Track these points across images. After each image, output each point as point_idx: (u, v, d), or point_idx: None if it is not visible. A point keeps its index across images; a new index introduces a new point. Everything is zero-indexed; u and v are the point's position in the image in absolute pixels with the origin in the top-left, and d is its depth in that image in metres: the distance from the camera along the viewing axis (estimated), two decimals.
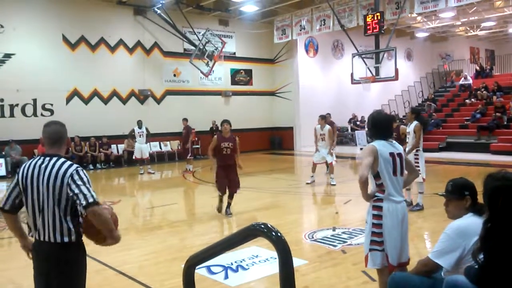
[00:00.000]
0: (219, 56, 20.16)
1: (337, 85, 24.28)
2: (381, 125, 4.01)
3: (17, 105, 16.42)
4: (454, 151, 18.70)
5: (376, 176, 3.82)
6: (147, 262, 5.90)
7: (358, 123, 24.73)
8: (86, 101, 17.96)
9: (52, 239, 2.86)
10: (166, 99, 20.14)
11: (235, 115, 19.69)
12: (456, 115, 21.73)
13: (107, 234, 2.84)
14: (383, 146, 3.86)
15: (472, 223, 3.05)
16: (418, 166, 7.97)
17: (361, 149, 21.58)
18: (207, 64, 19.80)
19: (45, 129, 3.04)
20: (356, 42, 18.79)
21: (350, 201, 9.59)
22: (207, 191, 12.12)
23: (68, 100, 17.55)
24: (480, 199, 2.98)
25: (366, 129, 23.26)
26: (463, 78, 24.32)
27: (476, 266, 2.68)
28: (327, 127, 11.72)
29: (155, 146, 19.11)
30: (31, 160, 3.01)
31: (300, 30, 20.55)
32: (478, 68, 26.64)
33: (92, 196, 2.78)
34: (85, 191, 2.79)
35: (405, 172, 4.07)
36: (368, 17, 16.83)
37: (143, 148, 15.39)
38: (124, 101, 18.95)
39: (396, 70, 16.98)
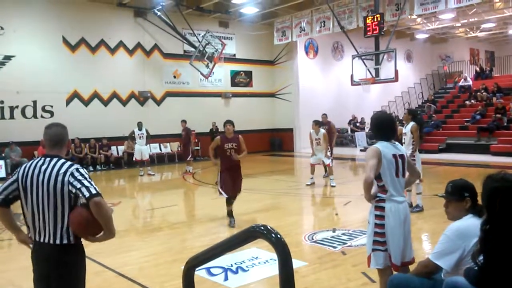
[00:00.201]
0: (219, 57, 20.16)
1: (337, 87, 24.30)
2: (385, 126, 4.02)
3: (17, 107, 16.43)
4: (454, 152, 18.70)
5: (378, 177, 3.82)
6: (147, 264, 5.90)
7: (358, 124, 24.76)
8: (86, 102, 17.97)
9: (52, 241, 2.86)
10: (166, 100, 20.15)
11: (235, 117, 19.52)
12: (456, 117, 21.73)
13: (105, 227, 2.85)
14: (386, 148, 3.87)
15: (472, 224, 3.05)
16: None
17: (361, 150, 21.60)
18: (207, 66, 19.81)
19: (46, 131, 3.04)
20: (356, 44, 18.80)
21: (350, 203, 9.59)
22: (207, 193, 12.13)
23: (68, 102, 17.55)
24: (480, 200, 2.98)
25: (369, 130, 23.42)
26: (463, 80, 24.34)
27: (476, 268, 2.68)
28: (322, 131, 11.76)
29: (155, 148, 19.11)
30: (31, 161, 3.02)
31: (300, 32, 20.57)
32: (478, 69, 26.66)
33: (95, 188, 2.80)
34: (87, 184, 2.81)
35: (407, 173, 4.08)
36: (368, 18, 16.85)
37: (143, 150, 15.39)
38: (124, 102, 18.96)
39: (396, 72, 16.99)
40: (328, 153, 11.91)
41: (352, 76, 18.42)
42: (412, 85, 26.75)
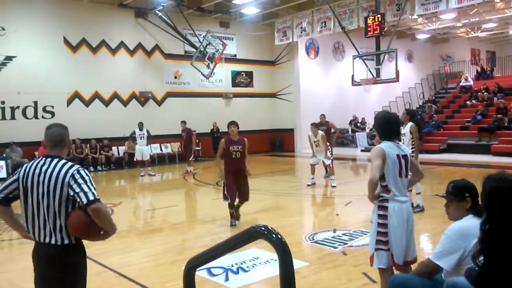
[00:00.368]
0: (220, 58, 20.16)
1: (338, 87, 24.29)
2: (389, 126, 4.03)
3: (18, 107, 16.45)
4: (455, 152, 18.68)
5: (382, 177, 3.83)
6: (147, 264, 5.89)
7: (358, 124, 24.75)
8: (87, 103, 17.98)
9: (53, 241, 2.86)
10: (167, 101, 20.16)
11: (236, 117, 19.41)
12: (456, 117, 21.71)
13: (108, 229, 2.88)
14: (390, 148, 3.88)
15: (473, 224, 3.04)
16: None
17: (362, 150, 21.60)
18: (208, 66, 19.81)
19: (47, 132, 3.04)
20: (356, 44, 18.80)
21: (350, 203, 9.59)
22: (208, 193, 12.15)
23: (69, 102, 17.57)
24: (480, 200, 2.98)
25: (370, 130, 23.41)
26: (464, 80, 24.33)
27: (477, 268, 2.68)
28: (320, 133, 11.78)
29: (155, 148, 19.13)
30: (32, 161, 3.01)
31: (301, 32, 20.58)
32: (479, 69, 26.64)
33: (93, 194, 2.79)
34: (86, 189, 2.79)
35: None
36: (369, 18, 16.85)
37: (144, 150, 15.40)
38: (125, 103, 18.97)
39: (397, 72, 16.99)
40: (329, 154, 11.92)
41: (353, 76, 18.42)
42: (413, 85, 26.74)
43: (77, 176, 2.83)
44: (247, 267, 5.55)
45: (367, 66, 17.97)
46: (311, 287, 4.90)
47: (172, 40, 19.67)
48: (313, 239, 6.81)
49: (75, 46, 17.62)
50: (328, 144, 12.12)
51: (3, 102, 16.15)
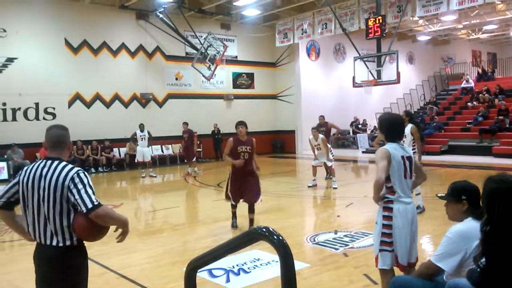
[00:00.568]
0: (221, 59, 20.17)
1: (339, 89, 24.28)
2: (394, 127, 4.06)
3: (19, 108, 16.47)
4: (456, 154, 18.67)
5: (387, 178, 3.84)
6: (148, 265, 5.89)
7: (360, 126, 24.74)
8: (88, 104, 18.00)
9: (54, 243, 2.86)
10: (168, 102, 20.18)
11: (237, 119, 19.40)
12: (458, 118, 21.71)
13: (118, 226, 2.92)
14: (395, 149, 3.90)
15: (474, 226, 3.04)
16: None
17: (363, 152, 21.60)
18: (209, 68, 19.82)
19: (47, 133, 3.04)
20: (357, 46, 18.80)
21: (351, 204, 9.58)
22: (209, 194, 12.15)
23: (70, 104, 17.59)
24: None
25: (371, 131, 23.39)
26: (465, 81, 24.32)
27: (478, 270, 2.68)
28: (321, 137, 11.82)
29: (156, 150, 19.13)
30: (33, 164, 3.01)
31: (302, 34, 20.59)
32: (480, 71, 26.63)
33: (91, 200, 2.78)
34: (84, 196, 2.78)
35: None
36: (370, 20, 16.84)
37: (145, 152, 15.42)
38: (126, 104, 18.99)
39: (398, 73, 16.97)
40: (331, 156, 11.95)
41: (354, 78, 18.41)
42: (414, 87, 26.73)
43: (76, 179, 2.83)
44: (248, 268, 5.54)
45: (368, 68, 17.97)
46: None
47: (173, 41, 19.69)
48: (314, 240, 6.80)
49: (76, 48, 17.65)
50: (330, 145, 12.16)
51: (4, 104, 16.17)
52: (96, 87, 18.07)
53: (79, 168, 2.94)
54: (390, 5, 17.53)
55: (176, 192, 13.23)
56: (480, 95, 21.90)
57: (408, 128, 8.24)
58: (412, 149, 8.15)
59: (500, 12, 22.15)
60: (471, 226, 3.10)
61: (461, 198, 3.24)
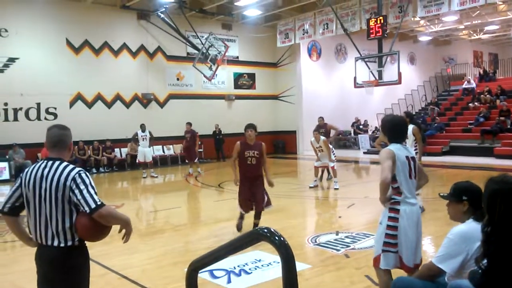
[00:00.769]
0: (222, 60, 20.18)
1: (340, 89, 24.27)
2: (398, 128, 4.06)
3: (20, 109, 16.49)
4: (457, 155, 18.63)
5: (393, 179, 3.85)
6: (150, 266, 5.89)
7: (361, 127, 24.72)
8: (90, 105, 18.02)
9: (56, 243, 2.86)
10: (169, 103, 20.19)
11: (238, 119, 19.72)
12: (459, 119, 21.68)
13: (120, 225, 2.92)
14: (399, 150, 3.91)
15: (476, 228, 3.03)
16: None
17: (364, 153, 21.58)
18: (210, 68, 19.83)
19: (48, 133, 3.04)
20: (359, 46, 18.79)
21: (353, 205, 9.57)
22: (210, 195, 12.14)
23: (72, 104, 17.61)
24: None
25: (372, 132, 23.37)
26: (466, 82, 24.30)
27: (480, 271, 2.67)
28: (322, 138, 11.83)
29: (158, 150, 19.14)
30: (34, 165, 3.01)
31: (303, 34, 20.59)
32: (481, 71, 26.60)
33: (94, 200, 2.78)
34: (87, 196, 2.79)
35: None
36: (371, 21, 16.84)
37: (146, 152, 15.42)
38: (127, 105, 19.00)
39: (399, 74, 16.96)
40: (333, 157, 11.96)
41: (355, 78, 18.40)
42: (416, 88, 26.71)
43: (78, 180, 2.83)
44: (250, 269, 5.54)
45: (369, 68, 17.97)
46: None
47: (174, 42, 19.70)
48: (316, 241, 6.80)
49: (77, 48, 17.67)
50: (331, 146, 12.17)
51: (6, 104, 16.19)
52: (98, 87, 18.09)
53: (80, 169, 2.94)
54: (392, 6, 17.52)
55: (177, 192, 13.23)
56: (482, 95, 21.88)
57: (410, 129, 8.24)
58: (414, 150, 8.15)
59: (502, 12, 22.14)
60: (472, 227, 3.09)
61: (462, 198, 3.24)
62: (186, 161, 16.63)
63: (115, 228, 2.96)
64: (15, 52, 16.31)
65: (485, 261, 2.60)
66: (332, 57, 25.01)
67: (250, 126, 7.11)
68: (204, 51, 19.55)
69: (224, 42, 20.62)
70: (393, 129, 4.06)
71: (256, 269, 5.55)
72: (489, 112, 20.32)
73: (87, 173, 2.93)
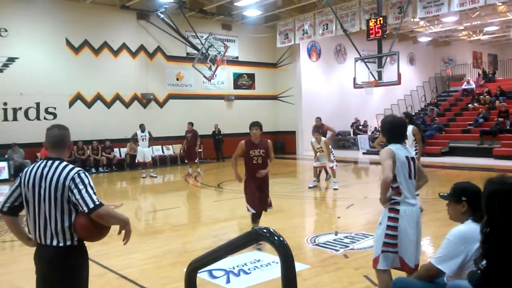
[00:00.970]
0: (221, 60, 20.18)
1: (340, 90, 24.27)
2: (397, 129, 4.07)
3: (20, 108, 16.48)
4: (456, 155, 18.64)
5: (393, 178, 3.85)
6: (148, 266, 5.89)
7: (360, 127, 24.73)
8: (89, 104, 18.01)
9: (55, 243, 2.86)
10: (169, 103, 20.18)
11: (238, 119, 19.77)
12: (458, 120, 21.69)
13: (119, 225, 2.92)
14: (399, 150, 3.92)
15: (474, 229, 3.03)
16: None
17: (363, 153, 21.59)
18: (210, 68, 19.83)
19: (47, 133, 3.04)
20: (358, 47, 18.79)
21: (352, 206, 9.57)
22: (210, 195, 12.14)
23: (71, 103, 17.60)
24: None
25: (372, 132, 23.37)
26: (465, 83, 24.31)
27: (479, 272, 2.67)
28: (323, 139, 11.84)
29: (157, 150, 19.13)
30: (33, 164, 3.01)
31: (303, 35, 20.60)
32: (481, 72, 26.62)
33: (93, 200, 2.78)
34: (86, 196, 2.79)
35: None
36: (371, 21, 16.83)
37: (145, 152, 15.42)
38: (127, 105, 18.99)
39: (399, 75, 16.96)
40: (332, 157, 11.97)
41: (354, 79, 18.39)
42: (415, 88, 26.72)
43: (77, 180, 2.83)
44: (249, 269, 5.54)
45: (369, 69, 17.96)
46: None
47: (174, 42, 19.70)
48: (315, 241, 6.80)
49: (77, 48, 17.66)
50: (330, 146, 12.19)
51: (5, 103, 16.18)
52: (97, 87, 18.08)
53: (79, 168, 2.94)
54: (391, 6, 17.53)
55: (176, 192, 13.23)
56: (481, 96, 21.89)
57: (410, 129, 8.24)
58: (414, 150, 8.15)
59: (501, 13, 22.15)
60: (471, 228, 3.09)
61: (461, 199, 3.25)
62: (186, 161, 16.63)
63: (114, 228, 2.96)
64: (15, 51, 16.30)
65: (484, 261, 2.60)
66: (331, 57, 25.01)
67: (255, 124, 6.83)
68: (204, 51, 19.55)
69: (223, 42, 20.63)
70: (393, 130, 4.06)
71: (255, 269, 5.55)
72: (488, 113, 20.33)
73: (86, 173, 2.94)
